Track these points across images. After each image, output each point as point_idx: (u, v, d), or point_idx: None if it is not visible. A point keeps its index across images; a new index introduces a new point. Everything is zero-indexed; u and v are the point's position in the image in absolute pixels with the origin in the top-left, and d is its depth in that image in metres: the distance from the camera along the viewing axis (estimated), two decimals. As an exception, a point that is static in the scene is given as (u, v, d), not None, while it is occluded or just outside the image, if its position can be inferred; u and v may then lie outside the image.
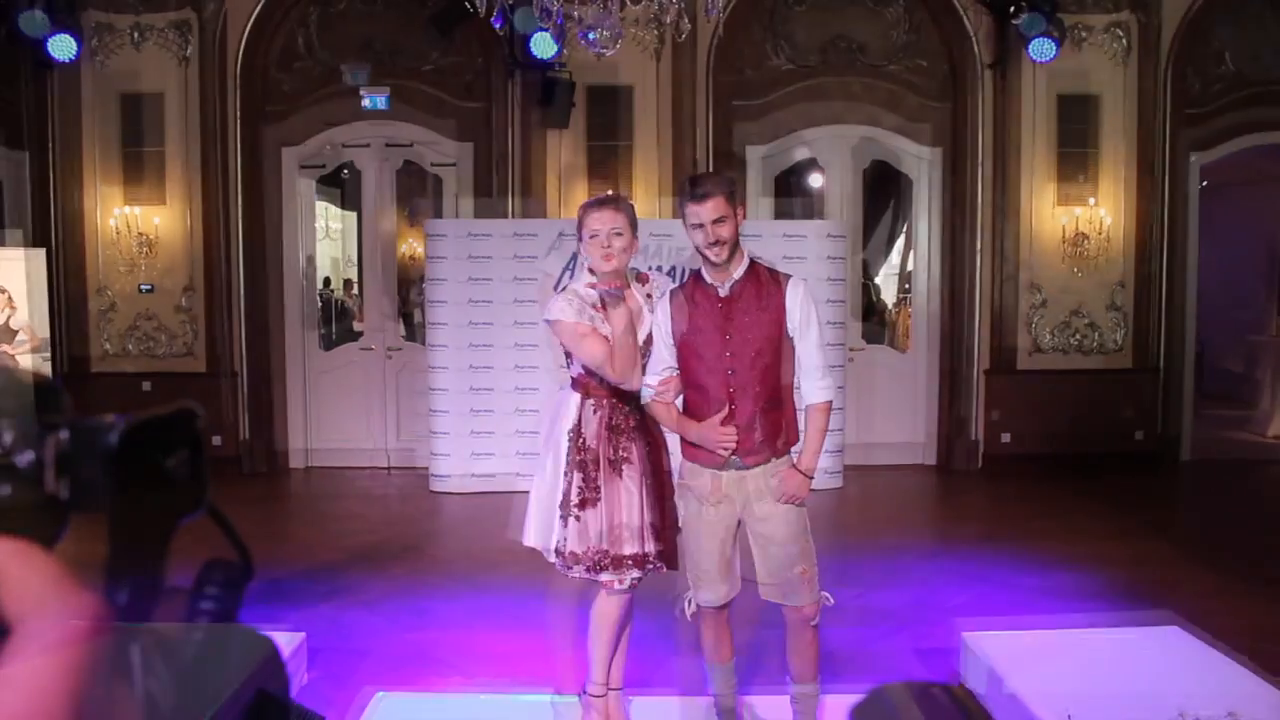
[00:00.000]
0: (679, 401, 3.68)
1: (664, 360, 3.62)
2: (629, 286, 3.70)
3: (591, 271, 3.68)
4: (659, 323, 3.62)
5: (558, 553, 3.68)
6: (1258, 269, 12.52)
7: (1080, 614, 5.48)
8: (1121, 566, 6.48)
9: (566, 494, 3.66)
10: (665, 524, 3.70)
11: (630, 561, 3.64)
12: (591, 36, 4.35)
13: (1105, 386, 9.55)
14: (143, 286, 9.45)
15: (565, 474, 3.66)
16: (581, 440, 3.66)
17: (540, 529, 3.72)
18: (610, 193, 3.76)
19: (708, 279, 3.58)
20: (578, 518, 3.63)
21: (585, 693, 3.87)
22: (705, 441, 3.53)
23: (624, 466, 3.64)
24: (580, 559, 3.64)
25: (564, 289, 3.77)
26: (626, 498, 3.65)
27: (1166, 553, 6.89)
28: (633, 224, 3.66)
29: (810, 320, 3.56)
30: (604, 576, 3.65)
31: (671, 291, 3.65)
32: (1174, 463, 9.75)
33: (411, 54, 9.57)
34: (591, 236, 3.60)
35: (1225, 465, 9.92)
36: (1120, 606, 5.64)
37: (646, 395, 3.64)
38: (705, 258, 3.54)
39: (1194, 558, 6.70)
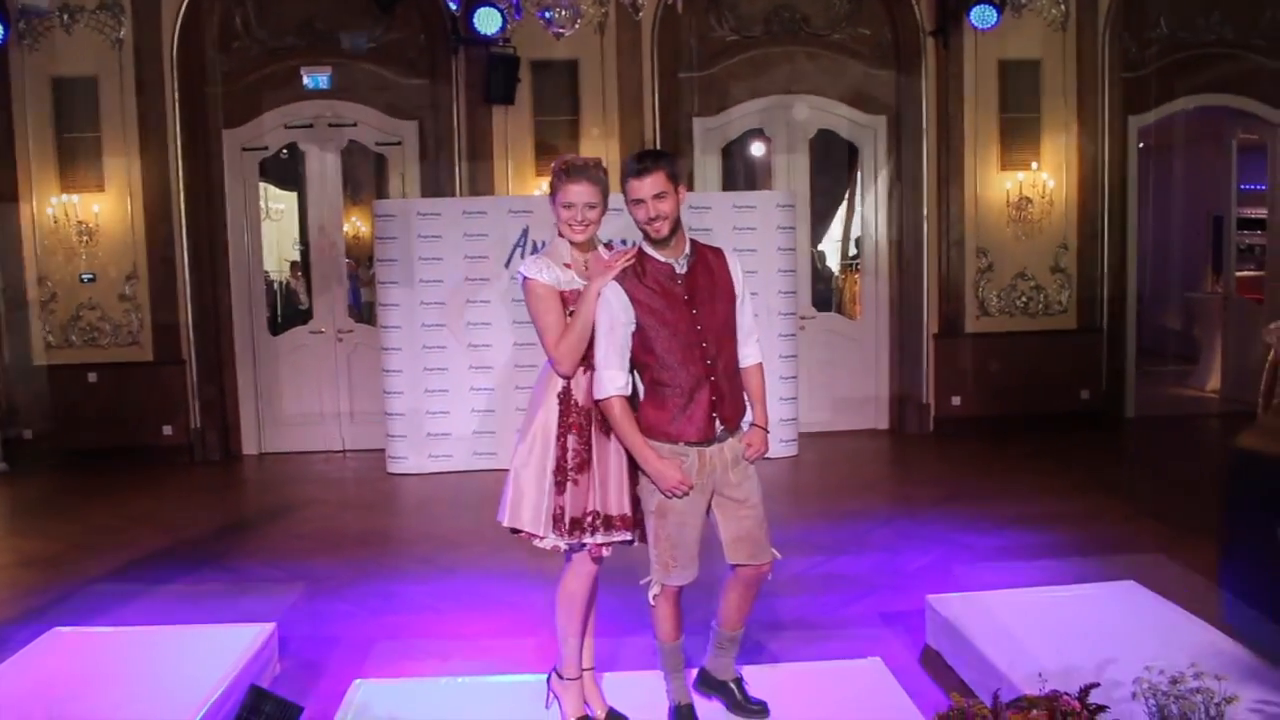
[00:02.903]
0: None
1: (620, 352, 3.57)
2: (595, 249, 3.71)
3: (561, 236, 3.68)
4: (613, 312, 3.55)
5: (555, 520, 3.59)
6: (1194, 228, 12.78)
7: (1039, 572, 5.61)
8: (1075, 523, 6.65)
9: (561, 459, 3.61)
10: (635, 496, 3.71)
11: (619, 523, 3.65)
12: (549, 15, 4.32)
13: (1051, 347, 9.72)
14: (84, 276, 9.23)
15: (558, 439, 3.61)
16: (572, 401, 3.62)
17: (533, 506, 3.61)
18: (586, 159, 3.71)
19: (660, 257, 3.62)
20: (575, 481, 3.59)
21: (556, 675, 3.87)
22: (659, 477, 3.55)
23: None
24: (579, 524, 3.60)
25: (536, 256, 3.73)
26: (617, 458, 3.65)
27: (1116, 508, 7.07)
28: (605, 193, 3.66)
29: (745, 288, 3.76)
30: (596, 539, 3.62)
31: (618, 278, 3.58)
32: (1119, 420, 9.97)
33: (352, 31, 9.41)
34: (567, 207, 3.58)
35: (1168, 420, 10.16)
36: (1076, 563, 5.78)
37: (611, 389, 3.55)
38: (645, 234, 3.60)
39: (1143, 512, 6.88)
